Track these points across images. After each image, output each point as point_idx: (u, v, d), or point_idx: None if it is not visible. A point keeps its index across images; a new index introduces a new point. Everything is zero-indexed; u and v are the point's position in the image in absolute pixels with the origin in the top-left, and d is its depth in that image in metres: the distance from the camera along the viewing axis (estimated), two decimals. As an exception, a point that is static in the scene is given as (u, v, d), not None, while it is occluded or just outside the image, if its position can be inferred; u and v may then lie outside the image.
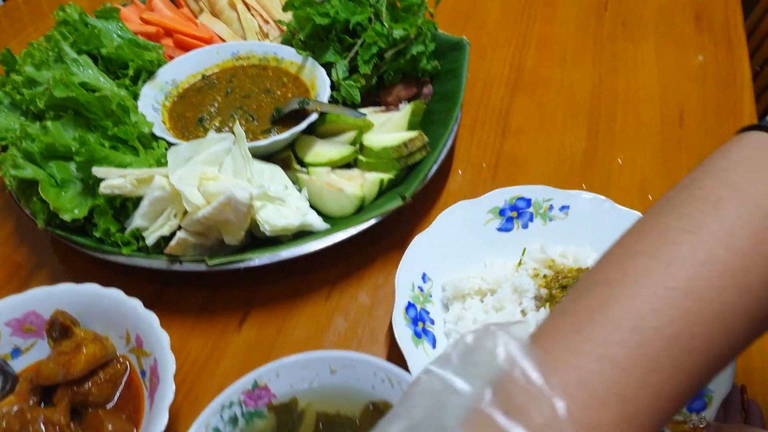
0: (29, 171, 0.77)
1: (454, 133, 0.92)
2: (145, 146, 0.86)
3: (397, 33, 0.96)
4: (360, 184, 0.86)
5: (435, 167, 0.87)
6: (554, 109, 1.06)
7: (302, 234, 0.82)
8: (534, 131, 1.02)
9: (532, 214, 0.82)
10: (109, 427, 0.64)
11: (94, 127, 0.82)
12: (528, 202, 0.82)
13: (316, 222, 0.83)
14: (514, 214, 0.82)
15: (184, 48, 1.06)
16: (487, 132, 1.02)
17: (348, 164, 0.91)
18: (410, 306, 0.72)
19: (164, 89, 0.98)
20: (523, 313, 0.71)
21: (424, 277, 0.76)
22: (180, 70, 1.01)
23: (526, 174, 0.95)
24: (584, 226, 0.80)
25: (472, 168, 0.97)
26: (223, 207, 0.73)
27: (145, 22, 1.07)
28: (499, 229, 0.82)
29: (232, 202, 0.73)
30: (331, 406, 0.65)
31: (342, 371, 0.66)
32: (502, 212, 0.82)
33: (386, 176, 0.86)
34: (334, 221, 0.84)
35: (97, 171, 0.76)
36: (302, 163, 0.91)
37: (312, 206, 0.85)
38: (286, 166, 0.90)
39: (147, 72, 0.97)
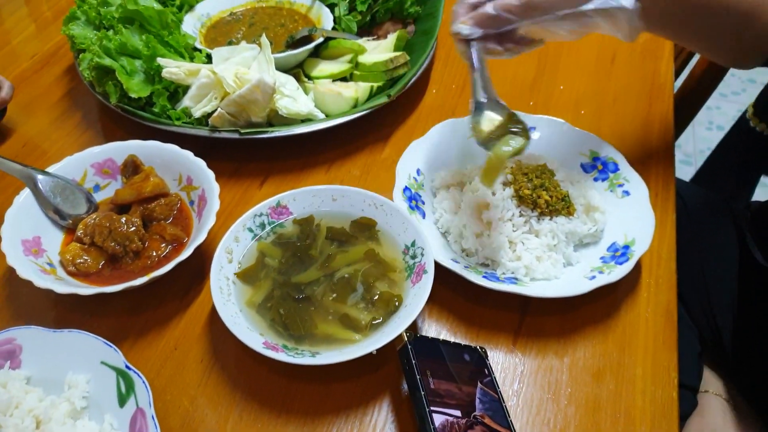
0: (108, 61, 1.02)
1: (431, 56, 1.19)
2: (189, 55, 1.11)
3: (387, -20, 1.22)
4: (355, 89, 1.11)
5: (414, 78, 1.13)
6: (512, 50, 1.32)
7: (309, 121, 1.07)
8: (495, 62, 1.27)
9: None
10: (170, 230, 0.89)
11: (153, 36, 1.08)
12: None
13: (320, 114, 1.08)
14: None
15: (216, -9, 1.32)
16: (456, 64, 1.28)
17: (345, 78, 1.16)
18: (406, 189, 0.94)
19: (200, 19, 1.23)
20: (493, 193, 0.91)
21: (418, 171, 0.98)
22: (213, 6, 1.26)
23: (485, 94, 1.21)
24: (546, 141, 1.02)
25: (444, 88, 1.23)
26: (254, 89, 0.98)
27: (186, -31, 1.32)
28: (478, 143, 1.05)
29: (261, 85, 0.98)
30: (334, 222, 0.90)
31: (341, 199, 0.91)
32: None
33: (375, 84, 1.12)
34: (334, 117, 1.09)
35: (161, 60, 1.01)
36: (309, 78, 1.17)
37: (316, 107, 1.11)
38: (296, 79, 1.15)
39: (188, 5, 1.22)
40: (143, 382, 0.71)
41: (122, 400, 0.71)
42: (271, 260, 0.86)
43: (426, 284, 0.78)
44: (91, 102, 1.18)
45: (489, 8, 0.80)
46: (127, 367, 0.73)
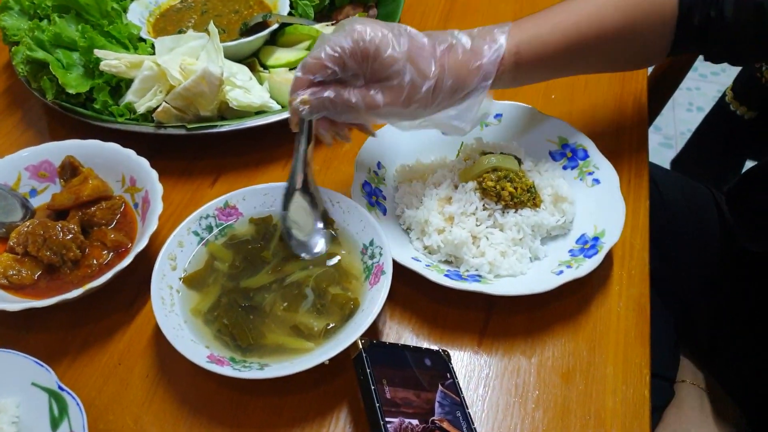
0: (41, 54, 0.95)
1: (391, 41, 1.12)
2: (134, 46, 1.04)
3: (346, -39, 1.16)
4: (312, 78, 1.05)
5: (373, 64, 1.07)
6: (478, 32, 1.26)
7: (264, 114, 1.01)
8: (460, 48, 1.23)
9: None
10: (112, 236, 0.83)
11: (91, 26, 1.00)
12: None
13: (275, 105, 1.02)
14: None
15: (165, -23, 1.24)
16: (421, 48, 1.22)
17: (303, 67, 1.10)
18: (366, 184, 0.89)
19: (148, 8, 1.16)
20: (455, 186, 0.86)
21: (379, 165, 0.93)
22: (162, -7, 1.19)
23: (451, 79, 1.16)
24: (514, 129, 0.97)
25: (407, 74, 1.17)
26: (199, 80, 0.92)
27: (131, -47, 1.25)
28: (444, 133, 0.93)
29: (206, 75, 0.92)
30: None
31: (293, 198, 0.85)
32: None
33: (333, 72, 1.06)
34: (291, 108, 1.03)
35: (99, 52, 0.94)
36: (265, 67, 1.11)
37: (272, 98, 1.04)
38: (251, 69, 1.09)
39: (134, -8, 1.15)
40: (77, 404, 0.66)
41: (55, 425, 0.66)
42: (221, 264, 0.81)
43: (383, 286, 0.73)
44: (32, 99, 1.11)
45: (330, 94, 0.72)
46: (60, 387, 0.67)
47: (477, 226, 0.82)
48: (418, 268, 0.78)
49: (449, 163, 0.92)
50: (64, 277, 0.81)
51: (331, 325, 0.73)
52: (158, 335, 0.79)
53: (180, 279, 0.78)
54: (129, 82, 0.97)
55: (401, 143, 0.96)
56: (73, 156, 0.88)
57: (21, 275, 0.79)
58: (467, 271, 0.81)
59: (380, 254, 0.78)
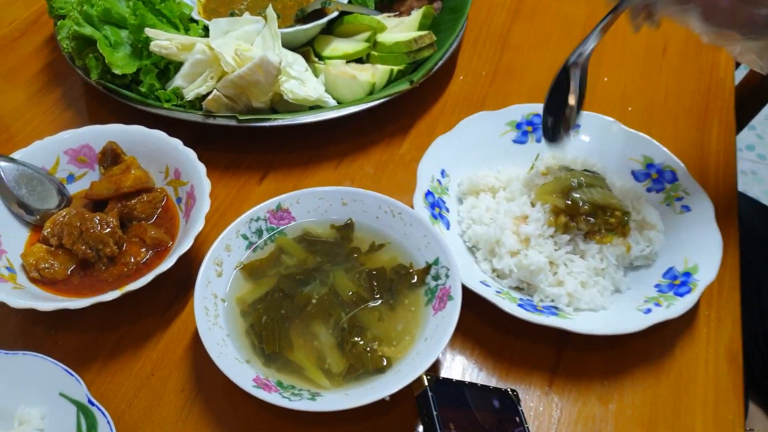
0: (89, 29, 0.88)
1: (460, 38, 1.04)
2: (184, 27, 0.97)
3: (414, -51, 1.07)
4: (372, 73, 0.97)
5: (441, 62, 0.99)
6: (550, 34, 1.17)
7: (318, 109, 0.93)
8: (530, 50, 1.14)
9: None
10: (152, 233, 0.76)
11: (142, 3, 0.93)
12: None
13: (331, 100, 0.95)
14: (530, 128, 0.90)
15: (220, -44, 1.17)
16: (487, 48, 1.14)
17: (360, 60, 1.02)
18: (429, 194, 0.81)
19: (201, -13, 1.09)
20: (532, 204, 0.77)
21: (443, 172, 0.85)
22: (216, -28, 1.12)
23: (519, 84, 1.07)
24: (593, 142, 0.88)
25: (472, 75, 1.08)
26: (256, 68, 0.85)
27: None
28: (515, 141, 0.90)
29: (264, 64, 0.84)
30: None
31: (351, 204, 0.78)
32: (518, 126, 0.90)
33: (396, 67, 0.98)
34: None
35: (149, 31, 0.87)
36: (320, 58, 1.03)
37: (327, 92, 0.97)
38: (305, 59, 1.01)
39: (187, -30, 1.08)
40: (108, 421, 0.59)
41: (81, 444, 0.59)
42: (288, 258, 0.74)
43: (452, 314, 0.65)
44: (74, 77, 1.04)
45: None
46: (90, 402, 0.60)
47: (555, 251, 0.74)
48: (488, 294, 0.70)
49: (523, 176, 0.83)
50: (99, 274, 0.74)
51: (356, 373, 0.65)
52: (196, 344, 0.73)
53: (239, 265, 0.73)
54: (178, 66, 0.90)
55: (468, 150, 0.87)
56: (115, 142, 0.81)
57: (54, 269, 0.73)
58: (542, 301, 0.73)
59: (447, 275, 0.69)
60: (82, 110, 1.01)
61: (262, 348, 0.67)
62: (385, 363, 0.65)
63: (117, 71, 0.88)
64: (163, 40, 0.87)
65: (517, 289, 0.75)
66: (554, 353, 0.73)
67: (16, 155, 0.80)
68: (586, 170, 0.79)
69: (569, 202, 0.74)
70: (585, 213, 0.74)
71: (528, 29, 1.18)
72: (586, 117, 0.91)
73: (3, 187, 0.77)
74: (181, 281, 0.77)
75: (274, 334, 0.67)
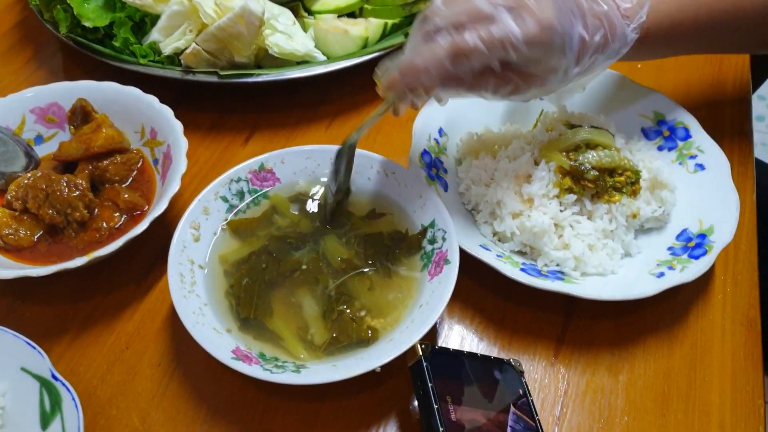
0: (55, -22, 0.81)
1: (457, -11, 0.97)
2: (162, -21, 0.90)
3: None
4: (365, 27, 0.91)
5: (436, 15, 0.92)
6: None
7: (307, 64, 0.87)
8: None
9: None
10: (125, 196, 0.70)
11: (116, -49, 0.87)
12: None
13: (320, 56, 0.88)
14: None
15: None
16: None
17: (353, 14, 0.96)
18: (425, 153, 0.75)
19: (181, -63, 1.01)
20: (536, 162, 0.72)
21: (440, 131, 0.78)
22: None
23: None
24: (600, 99, 0.82)
25: (471, 30, 1.02)
26: (237, 18, 0.78)
27: None
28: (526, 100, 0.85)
29: (245, 14, 0.78)
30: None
31: (340, 163, 0.72)
32: None
33: (390, 21, 0.91)
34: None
35: (121, -21, 0.80)
36: (309, 12, 0.96)
37: (316, 47, 0.90)
38: (294, 14, 0.95)
39: None
40: (73, 398, 0.54)
41: (45, 421, 0.55)
42: (281, 219, 0.69)
43: (448, 279, 0.60)
44: (46, 35, 0.98)
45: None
46: (53, 377, 0.55)
47: (561, 211, 0.68)
48: (488, 258, 0.65)
49: (526, 134, 0.77)
50: (68, 241, 0.69)
51: (338, 345, 0.60)
52: (174, 315, 0.67)
53: (225, 222, 0.68)
54: (155, 19, 0.84)
55: (467, 108, 0.81)
56: (85, 99, 0.75)
57: (18, 235, 0.67)
58: (546, 265, 0.68)
59: (443, 239, 0.64)
60: (57, 70, 0.94)
61: (237, 313, 0.62)
62: (370, 334, 0.60)
63: (87, 24, 0.81)
64: (137, -10, 0.81)
65: (520, 253, 0.70)
66: (560, 321, 0.68)
67: (-24, 113, 0.74)
68: (593, 126, 0.73)
69: (575, 163, 0.68)
70: (592, 178, 0.68)
71: None
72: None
73: (-36, 148, 0.71)
74: (158, 248, 0.72)
75: (252, 298, 0.62)
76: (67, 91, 0.77)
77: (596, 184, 0.68)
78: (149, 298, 0.69)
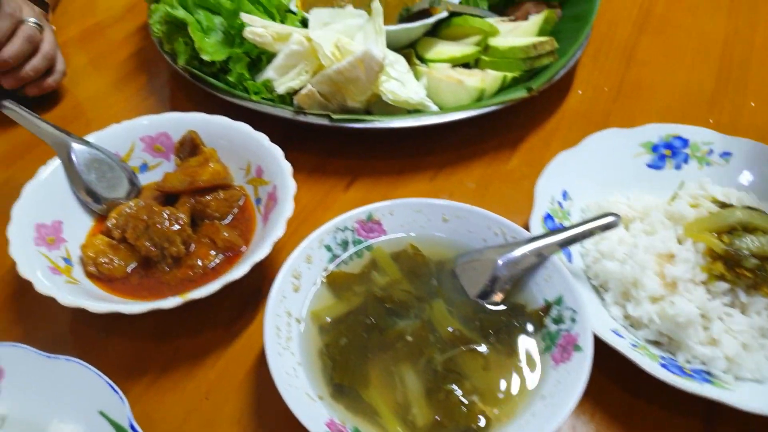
0: (182, 12, 0.82)
1: (583, 47, 0.92)
2: (281, 18, 0.89)
3: (536, -50, 0.96)
4: (481, 78, 0.86)
5: (563, 71, 0.86)
6: (682, 51, 1.03)
7: (419, 113, 0.83)
8: (659, 66, 0.99)
9: (687, 156, 0.76)
10: (224, 234, 0.67)
11: (240, -11, 0.87)
12: (685, 142, 0.77)
13: (433, 105, 0.84)
14: (668, 152, 0.77)
15: (322, -49, 1.11)
16: (610, 61, 1.00)
17: (467, 65, 0.91)
18: (548, 217, 0.69)
19: (301, -20, 1.02)
20: (679, 241, 0.63)
21: (564, 194, 0.72)
22: (317, -33, 1.05)
23: (649, 102, 0.93)
24: (747, 175, 0.74)
25: (592, 89, 0.95)
26: (357, 63, 0.75)
27: None
28: (649, 165, 0.76)
29: (366, 59, 0.75)
30: (437, 253, 0.65)
31: (454, 221, 0.66)
32: (654, 148, 0.77)
33: (510, 74, 0.86)
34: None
35: (245, 17, 0.80)
36: (423, 60, 0.93)
37: (428, 96, 0.86)
38: (406, 61, 0.91)
39: (288, -39, 1.01)
40: (150, 455, 0.49)
41: (117, 476, 0.49)
42: (380, 277, 0.63)
43: (579, 370, 0.51)
44: (161, 65, 0.99)
45: None
46: (132, 427, 0.50)
47: (709, 301, 0.59)
48: (622, 347, 0.56)
49: (665, 206, 0.68)
50: (160, 276, 0.65)
51: (447, 429, 0.52)
52: (261, 368, 0.62)
53: (325, 272, 0.62)
54: (271, 56, 0.82)
55: (593, 170, 0.74)
56: (195, 132, 0.73)
57: (113, 265, 0.65)
58: (689, 362, 0.58)
59: (573, 320, 0.56)
60: (165, 99, 0.94)
61: (330, 377, 0.55)
62: (483, 423, 0.52)
63: (206, 57, 0.80)
64: (259, 27, 0.79)
65: (655, 343, 0.60)
66: (699, 429, 0.58)
67: (90, 138, 0.73)
68: (749, 207, 0.63)
69: (729, 248, 0.59)
70: (751, 267, 0.58)
71: (657, 44, 1.04)
72: (738, 142, 0.76)
73: (73, 171, 0.70)
74: (249, 292, 0.68)
75: (348, 363, 0.56)
76: (178, 122, 0.75)
77: (755, 273, 0.58)
78: (235, 345, 0.64)
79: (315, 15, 0.82)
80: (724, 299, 0.59)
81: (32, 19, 0.86)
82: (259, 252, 0.61)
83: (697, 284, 0.59)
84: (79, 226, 0.69)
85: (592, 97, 0.94)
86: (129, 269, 0.66)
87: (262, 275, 0.68)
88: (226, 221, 0.71)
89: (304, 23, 0.88)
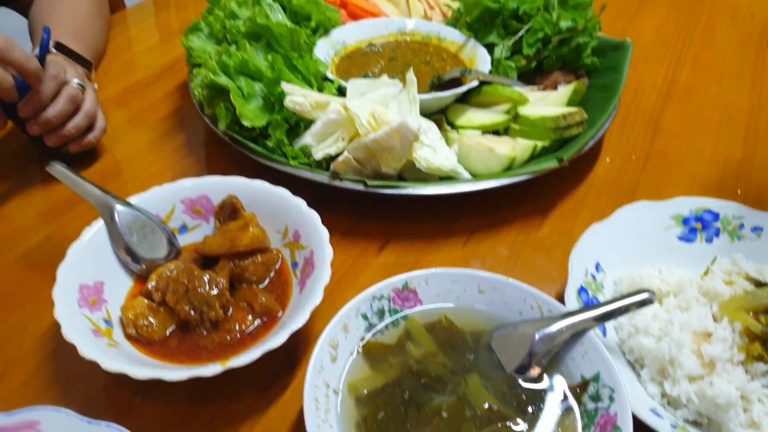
0: (224, 79, 0.85)
1: (612, 117, 0.94)
2: (318, 85, 0.92)
3: (565, 23, 1.00)
4: (512, 146, 0.88)
5: (592, 142, 0.88)
6: (708, 121, 1.05)
7: (448, 180, 0.84)
8: (686, 135, 1.01)
9: (718, 229, 0.77)
10: (262, 299, 0.68)
11: (280, 57, 0.90)
12: (716, 216, 0.78)
13: (464, 172, 0.86)
14: (699, 225, 0.78)
15: (355, 18, 1.15)
16: (637, 130, 1.02)
17: (497, 132, 0.94)
18: (582, 290, 0.69)
19: (335, 47, 1.06)
20: (715, 318, 0.63)
21: (597, 266, 0.73)
22: (351, 34, 1.09)
23: (676, 172, 0.94)
24: None
25: (620, 158, 0.97)
26: (393, 132, 0.77)
27: (326, -9, 1.17)
28: (680, 238, 0.77)
29: (401, 129, 0.77)
30: (472, 324, 0.65)
31: (490, 292, 0.66)
32: (685, 221, 0.78)
33: (541, 143, 0.88)
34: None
35: (286, 86, 0.83)
36: (453, 127, 0.95)
37: (459, 162, 0.88)
38: (438, 126, 0.94)
39: (324, 28, 1.05)
40: None
41: None
42: (415, 348, 0.63)
43: (620, 453, 0.51)
44: (199, 125, 1.02)
45: None
46: (171, 498, 0.50)
47: (750, 382, 0.58)
48: (662, 428, 0.55)
49: (697, 281, 0.69)
50: (198, 339, 0.66)
51: None
52: (295, 435, 0.62)
53: (361, 342, 0.63)
54: (308, 123, 0.85)
55: (625, 242, 0.75)
56: (236, 196, 0.75)
57: (152, 327, 0.66)
58: (730, 445, 0.57)
59: (611, 399, 0.55)
60: (202, 158, 0.97)
61: None
62: None
63: (246, 123, 0.83)
64: (299, 96, 0.82)
65: (695, 423, 0.60)
66: None
67: (133, 200, 0.75)
68: (786, 285, 0.64)
69: (767, 330, 0.59)
70: None
71: (682, 113, 1.06)
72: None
73: (115, 232, 0.72)
74: (284, 357, 0.68)
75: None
76: (218, 186, 0.77)
77: (789, 353, 0.58)
78: (270, 412, 0.64)
79: (352, 85, 0.85)
80: (763, 380, 0.59)
81: (75, 80, 0.90)
82: (297, 320, 0.62)
83: (735, 364, 0.59)
84: (119, 286, 0.70)
85: (620, 165, 0.95)
86: (167, 332, 0.66)
87: (296, 341, 0.68)
88: (263, 285, 0.72)
89: (340, 90, 0.91)
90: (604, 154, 0.97)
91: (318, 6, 1.04)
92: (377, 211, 0.87)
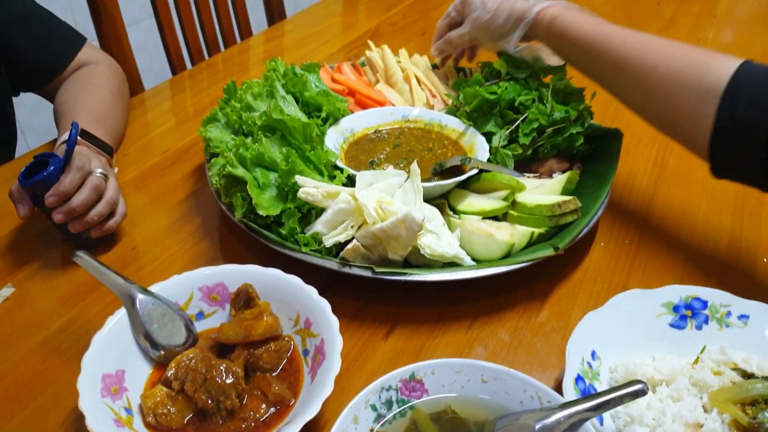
0: (241, 171, 0.91)
1: (605, 204, 0.99)
2: (329, 173, 0.99)
3: (558, 114, 1.07)
4: (510, 233, 0.93)
5: (586, 229, 0.93)
6: (696, 206, 1.10)
7: (451, 266, 0.89)
8: (676, 221, 1.06)
9: (707, 317, 0.81)
10: (275, 388, 0.71)
11: (294, 149, 0.97)
12: (704, 303, 0.81)
13: (467, 258, 0.90)
14: (689, 312, 0.81)
15: (362, 106, 1.23)
16: (630, 215, 1.07)
17: (496, 217, 0.99)
18: (579, 378, 0.72)
19: (344, 134, 1.13)
20: (705, 409, 0.67)
21: (593, 354, 0.76)
22: (358, 122, 1.16)
23: (666, 256, 0.99)
24: (766, 338, 0.77)
25: (614, 242, 1.02)
26: (399, 223, 0.82)
27: (335, 81, 1.25)
28: (671, 325, 0.81)
29: (407, 220, 0.82)
30: (475, 414, 0.69)
31: (493, 382, 0.70)
32: (676, 309, 0.82)
33: (537, 230, 0.93)
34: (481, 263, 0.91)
35: (300, 179, 0.89)
36: (454, 211, 1.01)
37: (461, 247, 0.93)
38: (440, 212, 0.99)
39: (333, 118, 1.13)
40: None
41: None
42: None
43: None
44: (214, 208, 1.08)
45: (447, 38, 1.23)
46: None
47: (742, 475, 0.61)
48: None
49: (688, 370, 0.72)
50: (214, 427, 0.69)
51: None
52: None
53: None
54: (320, 211, 0.90)
55: (618, 330, 0.78)
56: (251, 285, 0.80)
57: (171, 416, 0.69)
58: None
59: (610, 492, 0.58)
60: (216, 242, 1.02)
61: None
62: None
63: (262, 212, 0.89)
64: (311, 188, 0.88)
65: None
66: None
67: (154, 288, 0.80)
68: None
69: (753, 421, 0.62)
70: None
71: (672, 198, 1.12)
72: (757, 307, 0.81)
73: (136, 320, 0.76)
74: (296, 445, 0.71)
75: None
76: (234, 274, 0.82)
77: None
78: (282, 501, 0.67)
79: (361, 177, 0.91)
80: (755, 474, 0.61)
81: (99, 170, 0.96)
82: (308, 410, 0.65)
83: (727, 457, 0.62)
84: (139, 373, 0.74)
85: (614, 249, 1.00)
86: (185, 420, 0.70)
87: (306, 429, 0.71)
88: (276, 372, 0.75)
89: (350, 179, 0.97)
90: (600, 237, 1.02)
91: (328, 98, 1.12)
92: (383, 296, 0.91)
